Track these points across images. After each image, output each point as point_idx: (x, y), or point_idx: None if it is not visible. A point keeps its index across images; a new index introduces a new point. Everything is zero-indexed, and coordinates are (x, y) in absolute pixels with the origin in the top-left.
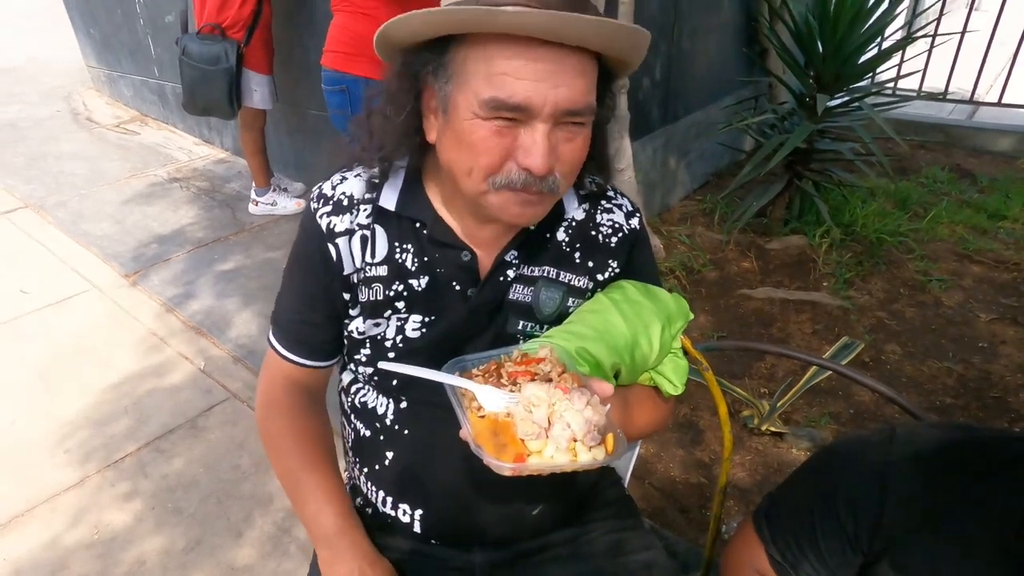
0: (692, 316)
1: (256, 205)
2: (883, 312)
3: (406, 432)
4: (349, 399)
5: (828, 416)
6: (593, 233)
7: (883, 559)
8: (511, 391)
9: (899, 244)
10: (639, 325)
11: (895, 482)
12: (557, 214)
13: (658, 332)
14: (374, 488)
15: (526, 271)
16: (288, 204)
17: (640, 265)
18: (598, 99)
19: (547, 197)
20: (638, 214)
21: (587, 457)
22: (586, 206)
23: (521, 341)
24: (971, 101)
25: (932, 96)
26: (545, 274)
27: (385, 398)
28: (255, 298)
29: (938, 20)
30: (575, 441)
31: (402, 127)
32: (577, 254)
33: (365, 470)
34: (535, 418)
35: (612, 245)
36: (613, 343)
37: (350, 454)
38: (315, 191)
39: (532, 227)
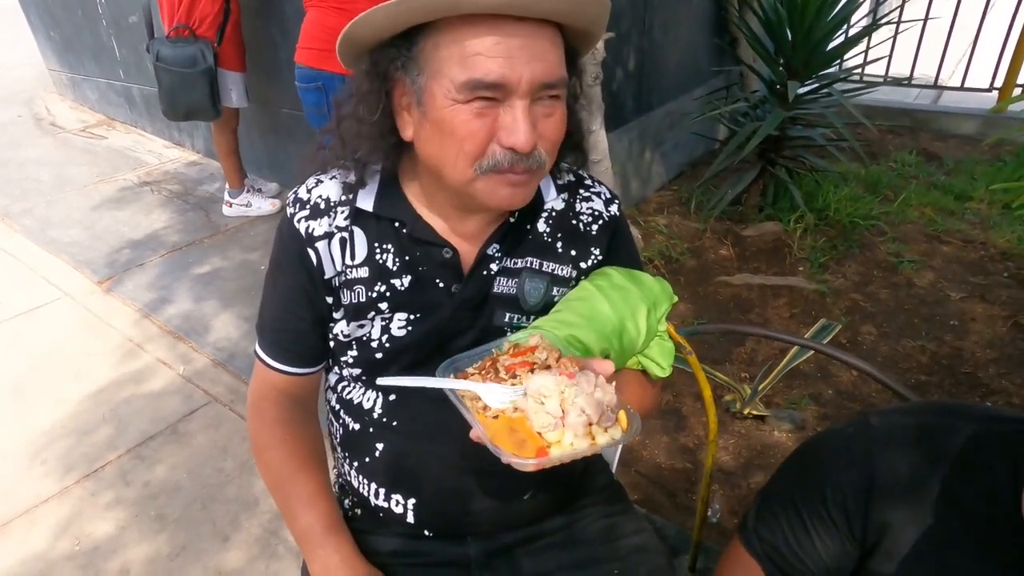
0: (676, 299)
1: (230, 207)
2: (858, 294)
3: (395, 423)
4: (336, 395)
5: (808, 398)
6: (574, 222)
7: (877, 549)
8: (512, 384)
9: (871, 227)
10: (625, 310)
11: (879, 472)
12: (536, 204)
13: (644, 316)
14: (366, 481)
15: (509, 263)
16: (263, 204)
17: (622, 251)
18: (567, 75)
19: (533, 176)
20: (616, 201)
21: (605, 439)
22: (565, 195)
23: (509, 333)
24: (935, 86)
25: (898, 81)
26: (528, 265)
27: (373, 392)
28: (234, 301)
29: (901, 7)
30: (590, 425)
31: (376, 129)
32: (559, 243)
33: (356, 464)
34: (548, 409)
35: (593, 232)
36: (601, 329)
37: (339, 449)
38: (290, 196)
39: (512, 218)
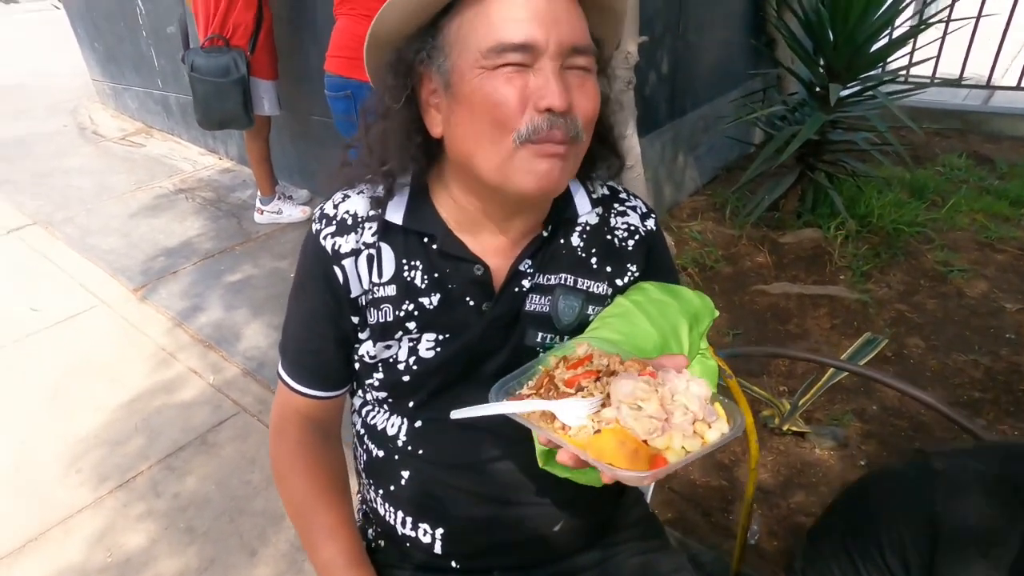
0: (717, 313)
1: (262, 214)
2: (903, 305)
3: (421, 452)
4: (360, 420)
5: (851, 414)
6: (608, 237)
7: None
8: (583, 396)
9: (917, 234)
10: (666, 326)
11: (946, 523)
12: (571, 217)
13: (686, 332)
14: (392, 509)
15: (542, 280)
16: (293, 212)
17: (659, 267)
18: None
19: (572, 149)
20: (653, 215)
21: (714, 435)
22: (599, 209)
23: (541, 353)
24: (987, 86)
25: (948, 82)
26: (562, 282)
27: (398, 418)
28: (264, 309)
29: (951, 5)
30: (694, 423)
31: (403, 129)
32: (594, 259)
33: (381, 491)
34: (650, 412)
35: (629, 248)
36: (642, 347)
37: (363, 476)
38: (317, 212)
39: (545, 232)
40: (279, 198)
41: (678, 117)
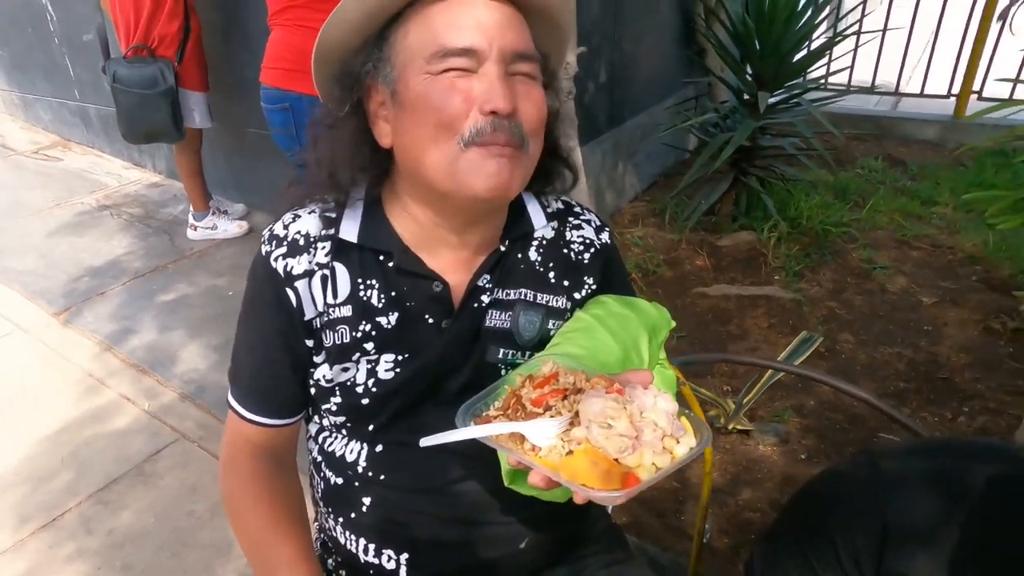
0: (673, 324)
1: (195, 230)
2: (833, 302)
3: (383, 477)
4: (317, 447)
5: (790, 410)
6: (565, 251)
7: None
8: (551, 416)
9: (843, 234)
10: (627, 339)
11: (893, 519)
12: (526, 232)
13: (645, 343)
14: (353, 537)
15: (501, 295)
16: (229, 227)
17: (616, 279)
18: (543, 85)
19: (519, 156)
20: (607, 228)
21: (683, 450)
22: (554, 223)
23: (503, 370)
24: (895, 92)
25: (862, 89)
26: (522, 297)
27: (357, 443)
28: (201, 329)
29: (861, 19)
30: (663, 438)
31: (352, 140)
32: (552, 273)
33: (340, 519)
34: (620, 431)
35: (586, 261)
36: (605, 360)
37: (321, 504)
38: (265, 233)
39: (503, 246)
40: (213, 213)
41: (617, 125)
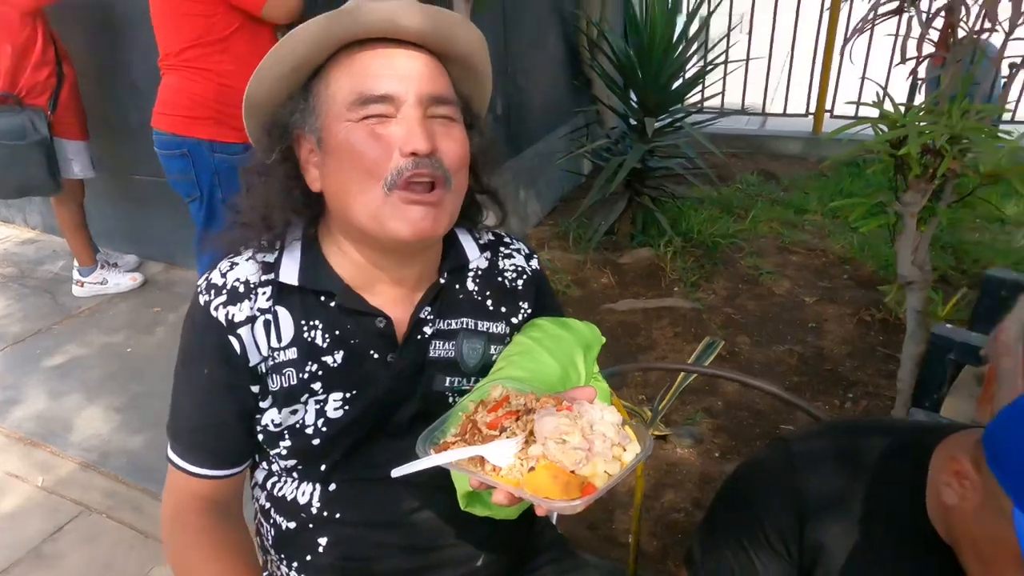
0: (604, 340)
1: (82, 286)
2: (729, 308)
3: (338, 515)
4: (265, 493)
5: (702, 412)
6: (500, 279)
7: (816, 569)
8: (508, 437)
9: (731, 244)
10: (564, 358)
11: (807, 495)
12: (462, 264)
13: (581, 360)
14: None
15: (443, 325)
16: (122, 280)
17: (547, 302)
18: (466, 126)
19: (442, 195)
20: (535, 255)
21: (631, 456)
22: (487, 254)
23: (450, 398)
24: (762, 113)
25: (734, 111)
26: (464, 326)
27: (309, 485)
28: (100, 391)
29: (727, 49)
30: (612, 447)
31: (283, 187)
32: (489, 301)
33: (295, 564)
34: (575, 444)
35: (520, 288)
36: (547, 379)
37: (272, 551)
38: (202, 283)
39: (442, 279)
40: (102, 267)
41: (516, 155)
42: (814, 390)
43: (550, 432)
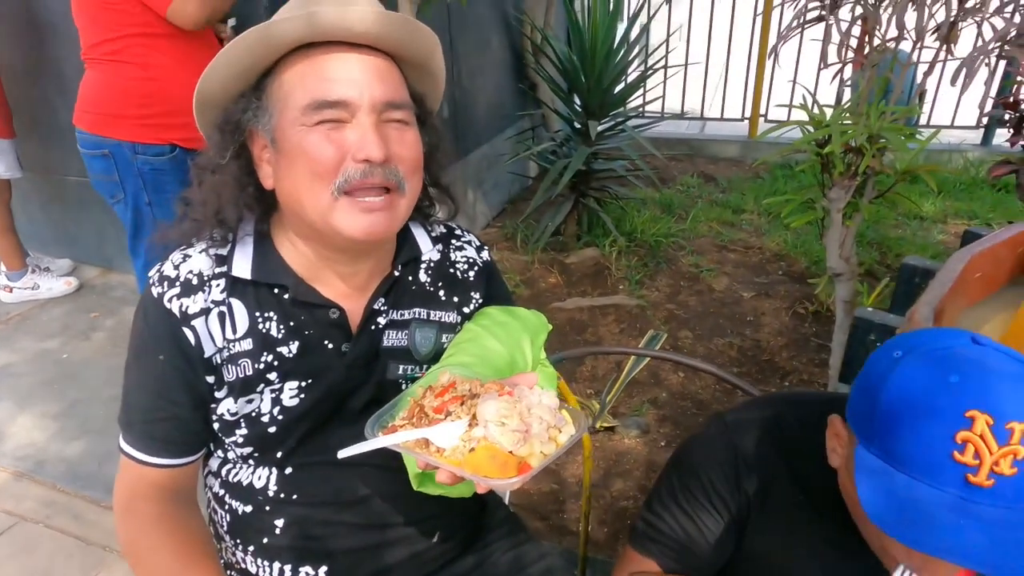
0: (551, 327)
1: (11, 292)
2: (671, 304)
3: (295, 497)
4: (219, 480)
5: (647, 403)
6: (451, 270)
7: (748, 527)
8: (452, 420)
9: (672, 244)
10: (512, 344)
11: (740, 458)
12: (415, 256)
13: (528, 346)
14: (267, 563)
15: (396, 316)
16: (54, 285)
17: (497, 292)
18: (419, 122)
19: (394, 199)
20: (486, 247)
21: (565, 437)
22: (439, 247)
23: (403, 384)
24: (701, 117)
25: (674, 115)
26: (416, 316)
27: (265, 470)
28: (33, 399)
29: (666, 55)
30: (548, 429)
31: (236, 183)
32: (441, 292)
33: (251, 547)
34: (513, 427)
35: (471, 279)
36: (495, 364)
37: (227, 538)
38: (154, 275)
39: (397, 271)
40: (32, 271)
41: (463, 157)
42: (753, 379)
43: (491, 415)
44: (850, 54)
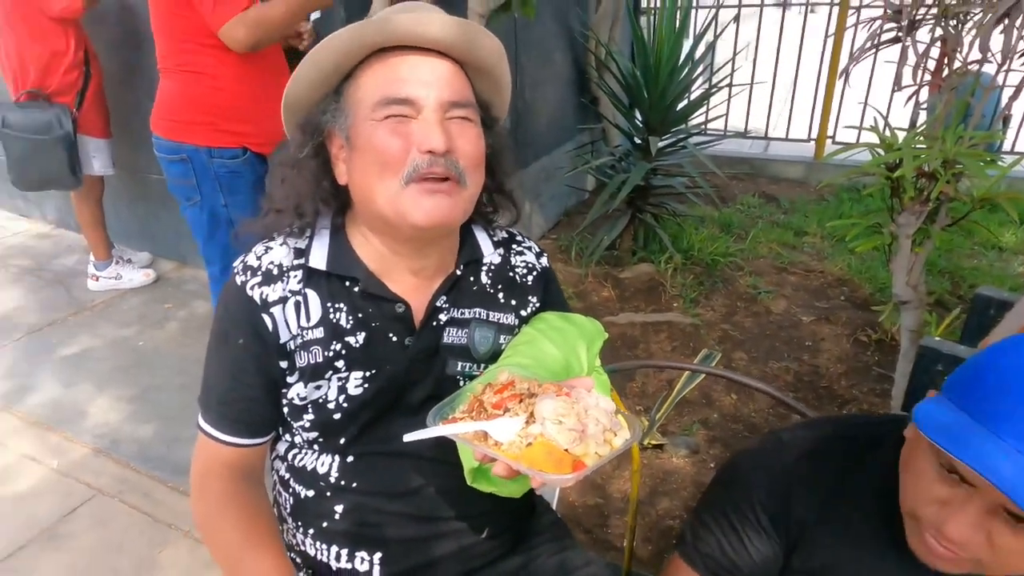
0: (607, 335)
1: (97, 280)
2: (727, 324)
3: (355, 485)
4: (285, 464)
5: (698, 423)
6: (511, 274)
7: (798, 547)
8: (510, 417)
9: (730, 263)
10: (567, 349)
11: (794, 479)
12: (476, 258)
13: (584, 352)
14: (325, 546)
15: (457, 314)
16: (135, 276)
17: (554, 298)
18: (484, 125)
19: (456, 189)
20: (545, 254)
21: (620, 441)
22: (500, 251)
23: (461, 381)
24: (765, 137)
25: (737, 134)
26: (476, 315)
27: (328, 456)
28: (111, 382)
29: (732, 73)
30: (604, 431)
31: (312, 179)
32: (500, 294)
33: (311, 531)
34: (570, 426)
35: (529, 283)
36: (550, 368)
37: (289, 520)
38: (238, 264)
39: (459, 270)
40: (116, 262)
41: (522, 169)
42: (809, 406)
43: (549, 413)
44: (927, 76)
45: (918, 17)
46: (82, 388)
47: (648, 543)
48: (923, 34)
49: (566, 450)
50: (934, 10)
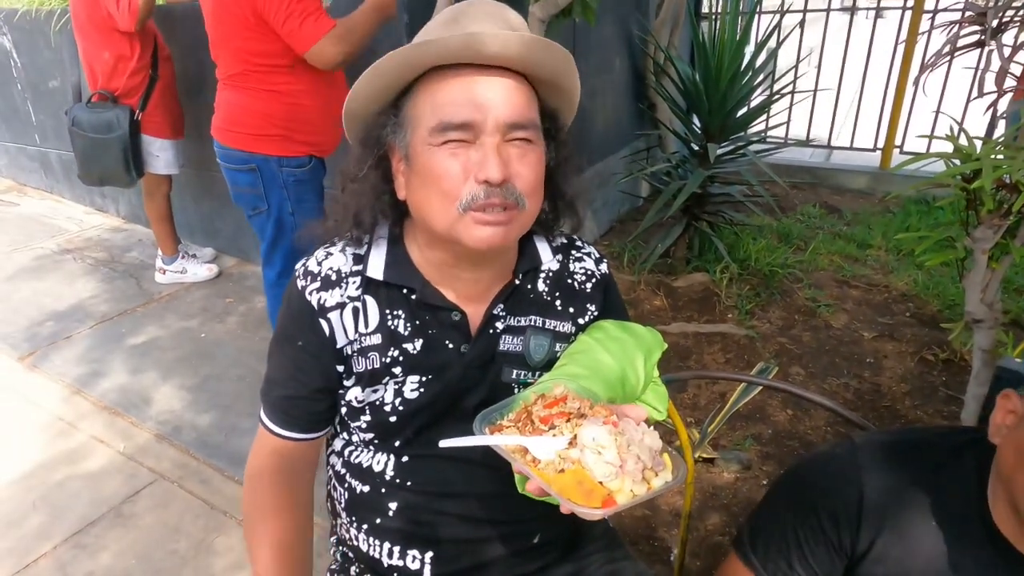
0: (666, 346)
1: (164, 273)
2: (783, 337)
3: (409, 483)
4: (341, 460)
5: (751, 438)
6: (569, 281)
7: (867, 556)
8: (553, 435)
9: (788, 275)
10: (624, 359)
11: (868, 486)
12: (535, 266)
13: (641, 363)
14: (378, 542)
15: (513, 322)
16: (199, 270)
17: (613, 305)
18: (547, 136)
19: (514, 215)
20: (605, 260)
21: (659, 482)
22: (559, 257)
23: (516, 389)
24: (828, 146)
25: (799, 142)
26: (532, 323)
27: (384, 455)
28: (174, 371)
29: (794, 80)
30: (644, 470)
31: (374, 191)
32: (558, 302)
33: (365, 526)
34: (608, 459)
35: (588, 290)
36: (606, 378)
37: (344, 515)
38: (299, 268)
39: (518, 279)
40: (182, 257)
41: (577, 174)
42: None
43: (589, 442)
44: (1011, 82)
45: (1004, 19)
46: (148, 376)
47: (696, 558)
48: (1008, 38)
49: (600, 482)
50: (1022, 12)
